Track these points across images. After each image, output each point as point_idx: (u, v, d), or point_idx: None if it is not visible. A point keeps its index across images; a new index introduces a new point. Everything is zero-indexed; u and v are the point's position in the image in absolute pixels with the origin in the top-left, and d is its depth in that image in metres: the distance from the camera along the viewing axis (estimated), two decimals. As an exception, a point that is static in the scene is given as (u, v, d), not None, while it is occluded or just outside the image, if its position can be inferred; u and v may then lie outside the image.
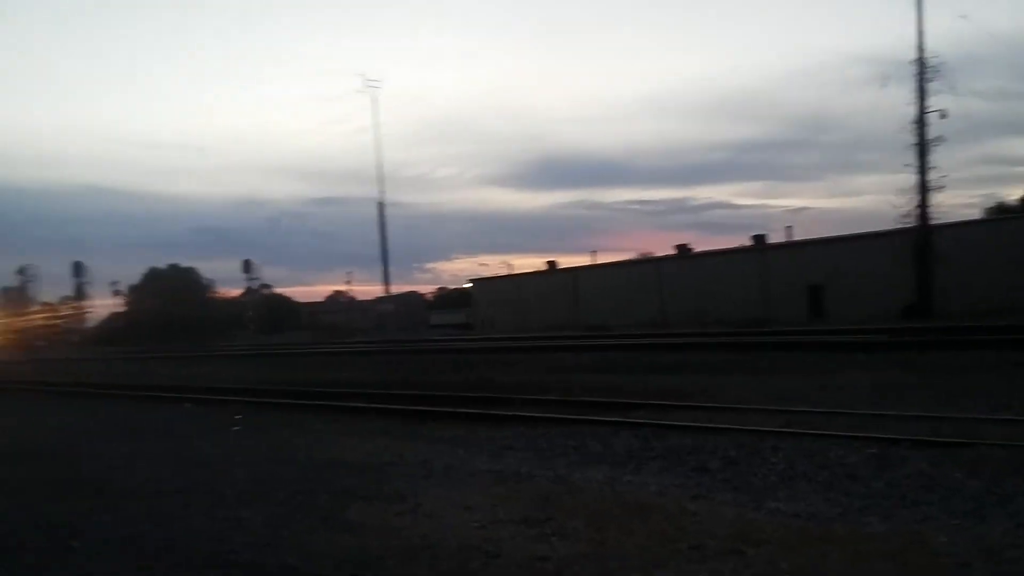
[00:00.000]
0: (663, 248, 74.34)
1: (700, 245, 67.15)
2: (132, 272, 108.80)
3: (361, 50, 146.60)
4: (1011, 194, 62.94)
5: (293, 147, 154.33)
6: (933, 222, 39.80)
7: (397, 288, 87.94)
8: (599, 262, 74.99)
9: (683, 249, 65.30)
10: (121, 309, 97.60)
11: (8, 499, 8.15)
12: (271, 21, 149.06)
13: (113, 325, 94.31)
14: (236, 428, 12.71)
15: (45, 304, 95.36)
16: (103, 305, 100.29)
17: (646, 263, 68.42)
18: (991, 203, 61.83)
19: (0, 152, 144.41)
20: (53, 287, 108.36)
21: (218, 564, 5.42)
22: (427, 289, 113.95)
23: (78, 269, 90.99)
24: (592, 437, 9.63)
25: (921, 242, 39.42)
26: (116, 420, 14.87)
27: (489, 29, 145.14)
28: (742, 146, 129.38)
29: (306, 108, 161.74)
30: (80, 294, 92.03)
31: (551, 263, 76.86)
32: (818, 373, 15.64)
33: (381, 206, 77.21)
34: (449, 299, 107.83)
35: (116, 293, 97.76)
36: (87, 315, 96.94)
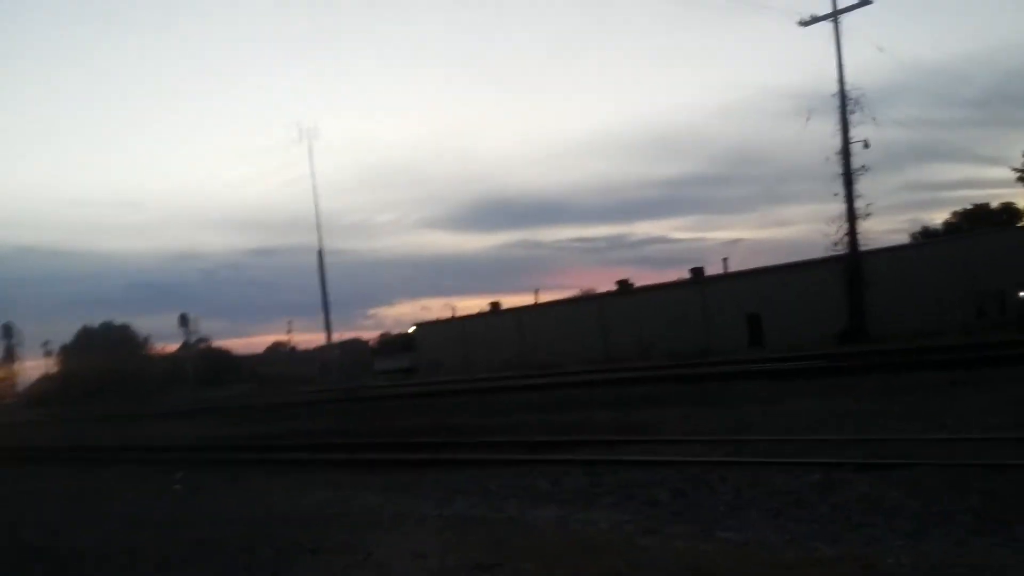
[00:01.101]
0: (605, 284, 75.23)
1: (640, 279, 67.88)
2: (65, 331, 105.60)
3: (297, 98, 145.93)
4: (936, 218, 65.38)
5: (230, 198, 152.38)
6: (862, 248, 41.01)
7: (340, 335, 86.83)
8: (542, 301, 75.37)
9: (624, 284, 66.05)
10: (53, 370, 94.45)
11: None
12: (205, 71, 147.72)
13: (45, 387, 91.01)
14: (177, 487, 12.35)
15: None
16: (35, 367, 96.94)
17: (589, 300, 68.98)
18: (917, 228, 64.13)
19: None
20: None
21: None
22: (370, 335, 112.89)
23: (7, 331, 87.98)
24: (542, 476, 9.61)
25: (852, 268, 40.56)
26: (57, 484, 14.32)
27: (426, 72, 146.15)
28: (677, 182, 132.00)
29: (243, 159, 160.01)
30: (10, 356, 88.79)
31: (495, 304, 76.99)
32: (760, 401, 15.88)
33: (320, 254, 76.42)
34: (393, 344, 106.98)
35: (48, 354, 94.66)
36: (17, 378, 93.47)
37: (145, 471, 15.14)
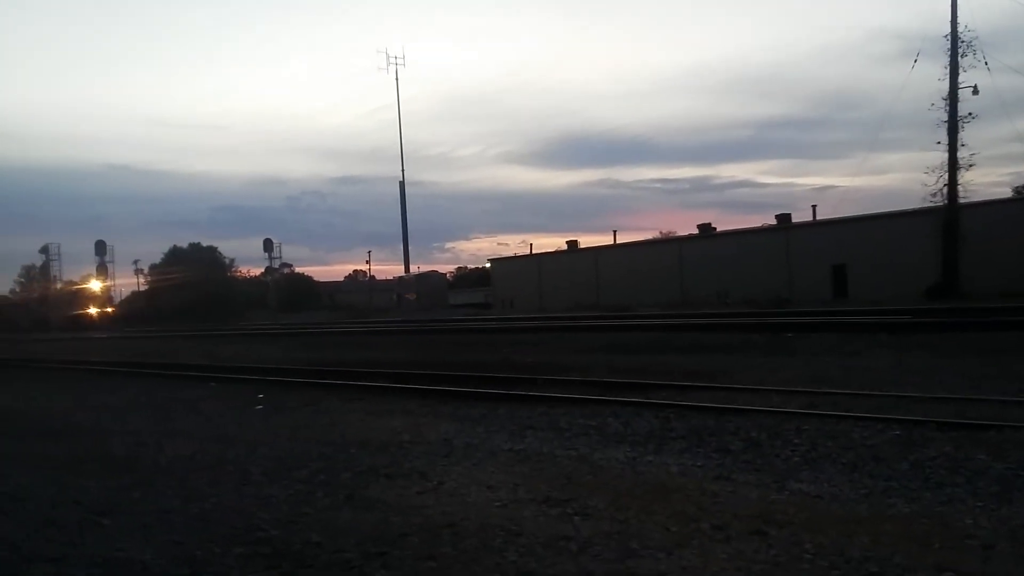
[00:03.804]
0: (686, 228, 74.04)
1: (723, 224, 66.78)
2: (155, 250, 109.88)
3: (384, 28, 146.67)
4: (1042, 173, 62.04)
5: (315, 126, 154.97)
6: (961, 201, 39.28)
7: (418, 267, 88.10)
8: (620, 242, 74.82)
9: (705, 228, 64.94)
10: (143, 288, 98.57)
11: (39, 476, 8.27)
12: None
13: (135, 304, 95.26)
14: (259, 407, 12.83)
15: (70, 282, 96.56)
16: (126, 284, 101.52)
17: (668, 243, 68.21)
18: (1021, 182, 60.97)
19: (17, 130, 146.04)
20: (75, 266, 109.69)
21: (247, 541, 5.48)
22: (447, 268, 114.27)
23: (100, 247, 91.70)
24: (613, 417, 9.64)
25: (948, 221, 38.92)
26: (144, 398, 15.04)
27: (513, 4, 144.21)
28: (768, 124, 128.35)
29: (328, 87, 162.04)
30: (103, 272, 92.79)
31: (572, 242, 76.77)
32: (842, 354, 15.55)
33: (402, 185, 77.40)
34: (469, 278, 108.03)
35: (138, 271, 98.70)
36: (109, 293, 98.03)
37: (229, 389, 15.77)
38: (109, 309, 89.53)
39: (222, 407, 13.11)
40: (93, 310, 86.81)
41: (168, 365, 22.19)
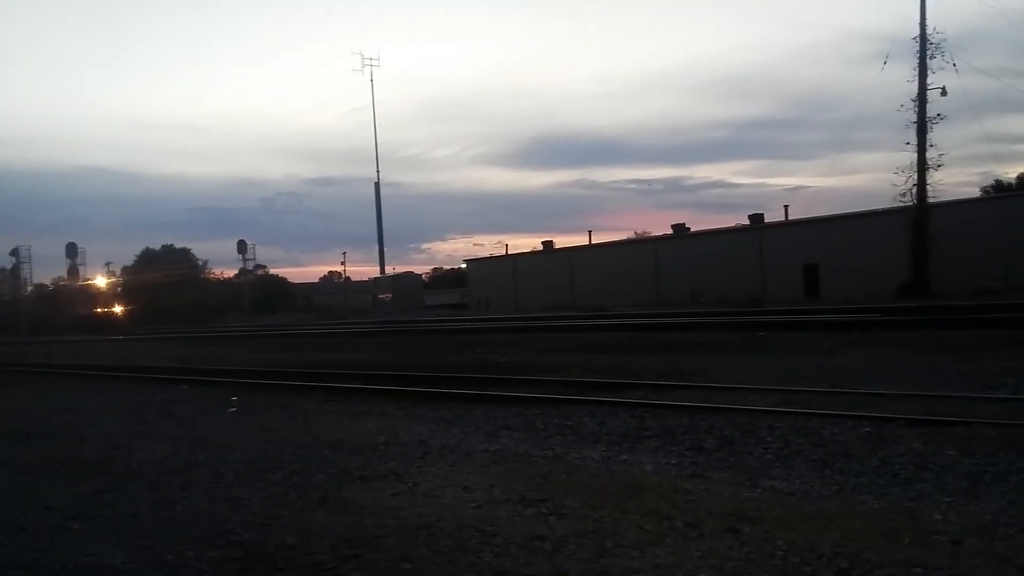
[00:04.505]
0: (660, 228, 74.45)
1: (697, 224, 67.20)
2: (127, 252, 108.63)
3: (360, 29, 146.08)
4: (1009, 172, 63.01)
5: (292, 127, 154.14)
6: (930, 201, 39.79)
7: (393, 268, 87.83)
8: (595, 242, 75.06)
9: (679, 228, 65.35)
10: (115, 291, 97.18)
11: (10, 480, 8.17)
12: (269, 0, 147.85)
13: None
14: (232, 410, 12.73)
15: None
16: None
17: (642, 243, 68.55)
18: (989, 182, 61.93)
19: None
20: (46, 268, 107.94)
21: (219, 544, 5.44)
22: (423, 269, 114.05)
23: (71, 250, 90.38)
24: (588, 417, 9.67)
25: (918, 221, 39.42)
26: (117, 401, 14.87)
27: (490, 6, 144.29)
28: (741, 124, 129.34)
29: (306, 88, 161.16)
30: (74, 275, 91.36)
31: (547, 243, 76.95)
32: (815, 352, 15.71)
33: (377, 186, 77.07)
34: (445, 279, 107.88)
35: (110, 274, 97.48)
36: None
37: (201, 391, 15.63)
38: (126, 308, 78.97)
39: (195, 410, 12.99)
40: (117, 308, 77.00)
41: (139, 368, 21.94)
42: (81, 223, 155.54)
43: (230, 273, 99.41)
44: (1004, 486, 5.86)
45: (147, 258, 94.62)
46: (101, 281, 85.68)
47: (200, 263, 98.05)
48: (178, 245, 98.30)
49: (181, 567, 5.07)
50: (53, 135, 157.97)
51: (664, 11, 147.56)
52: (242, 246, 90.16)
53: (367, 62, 75.49)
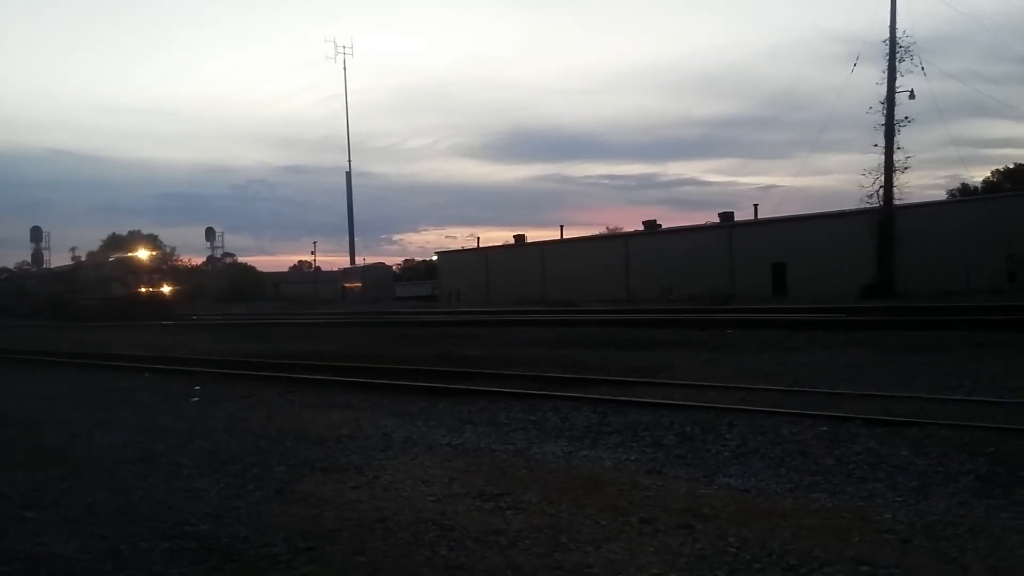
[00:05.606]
0: (632, 224, 74.78)
1: (669, 222, 67.79)
2: (94, 237, 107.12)
3: (339, 17, 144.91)
4: (976, 176, 64.09)
5: (264, 114, 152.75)
6: (897, 203, 40.33)
7: (364, 259, 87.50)
8: (567, 237, 75.20)
9: (651, 225, 65.70)
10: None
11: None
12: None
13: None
14: (195, 399, 12.62)
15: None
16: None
17: (614, 239, 68.82)
18: (956, 184, 62.97)
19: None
20: (8, 251, 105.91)
21: (174, 535, 5.41)
22: (394, 260, 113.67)
23: (35, 234, 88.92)
24: (552, 412, 9.71)
25: (883, 222, 39.95)
26: (79, 388, 14.68)
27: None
28: (714, 123, 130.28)
29: (280, 75, 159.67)
30: (38, 260, 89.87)
31: (519, 236, 76.96)
32: (780, 350, 15.88)
33: (349, 175, 76.66)
34: (416, 271, 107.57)
35: (75, 259, 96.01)
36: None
37: (164, 380, 15.47)
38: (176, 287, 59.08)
39: (157, 398, 12.86)
40: (165, 288, 55.74)
41: (103, 355, 21.65)
42: (49, 207, 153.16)
43: (198, 261, 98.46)
44: (953, 487, 5.97)
45: (113, 243, 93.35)
46: (143, 253, 62.92)
47: (168, 249, 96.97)
48: (146, 231, 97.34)
49: (135, 558, 5.03)
50: (21, 117, 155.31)
51: (641, 8, 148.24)
52: (210, 233, 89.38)
53: (340, 50, 75.25)
